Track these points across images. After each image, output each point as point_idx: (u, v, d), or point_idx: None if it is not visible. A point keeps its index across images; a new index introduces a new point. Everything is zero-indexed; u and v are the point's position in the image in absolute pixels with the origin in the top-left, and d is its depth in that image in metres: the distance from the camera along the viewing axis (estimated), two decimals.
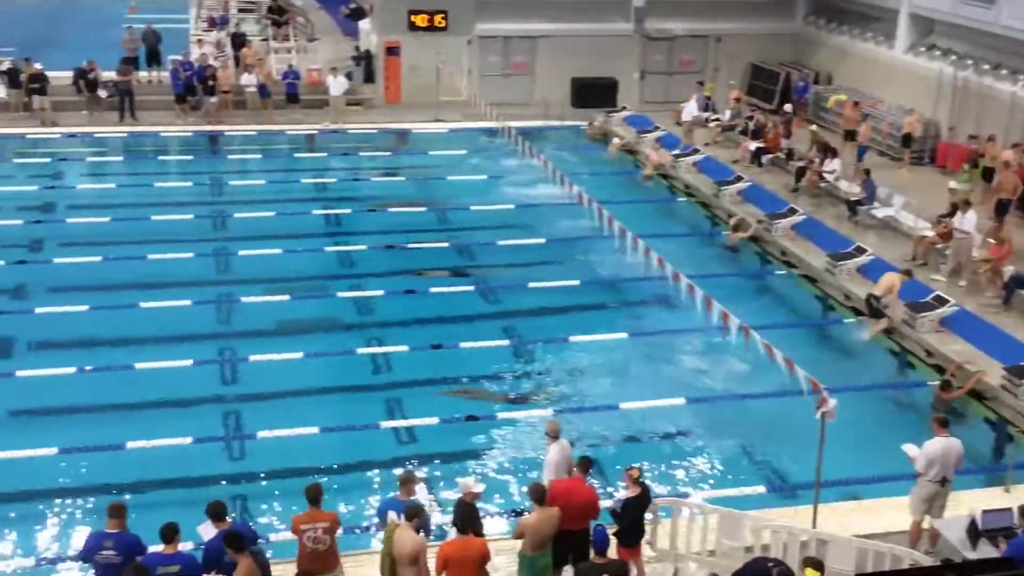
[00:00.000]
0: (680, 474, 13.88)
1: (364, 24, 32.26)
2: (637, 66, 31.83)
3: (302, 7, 37.29)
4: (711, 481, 13.76)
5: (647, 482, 11.16)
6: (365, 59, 31.41)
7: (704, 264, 20.45)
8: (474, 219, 22.85)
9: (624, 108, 30.28)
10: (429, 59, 29.72)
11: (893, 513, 12.12)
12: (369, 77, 31.26)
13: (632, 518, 10.74)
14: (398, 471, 10.58)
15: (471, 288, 19.31)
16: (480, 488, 10.54)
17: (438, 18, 30.40)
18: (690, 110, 27.84)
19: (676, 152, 26.36)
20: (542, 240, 21.66)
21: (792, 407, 14.02)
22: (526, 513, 10.90)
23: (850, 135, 25.55)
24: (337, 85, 28.79)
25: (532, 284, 19.37)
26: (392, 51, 30.50)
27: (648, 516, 11.02)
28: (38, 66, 27.44)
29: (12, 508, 12.58)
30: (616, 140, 28.34)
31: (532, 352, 16.95)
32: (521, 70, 31.38)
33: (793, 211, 22.07)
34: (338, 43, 34.34)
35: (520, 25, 30.84)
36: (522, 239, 21.65)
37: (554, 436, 11.29)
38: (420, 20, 30.33)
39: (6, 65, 28.16)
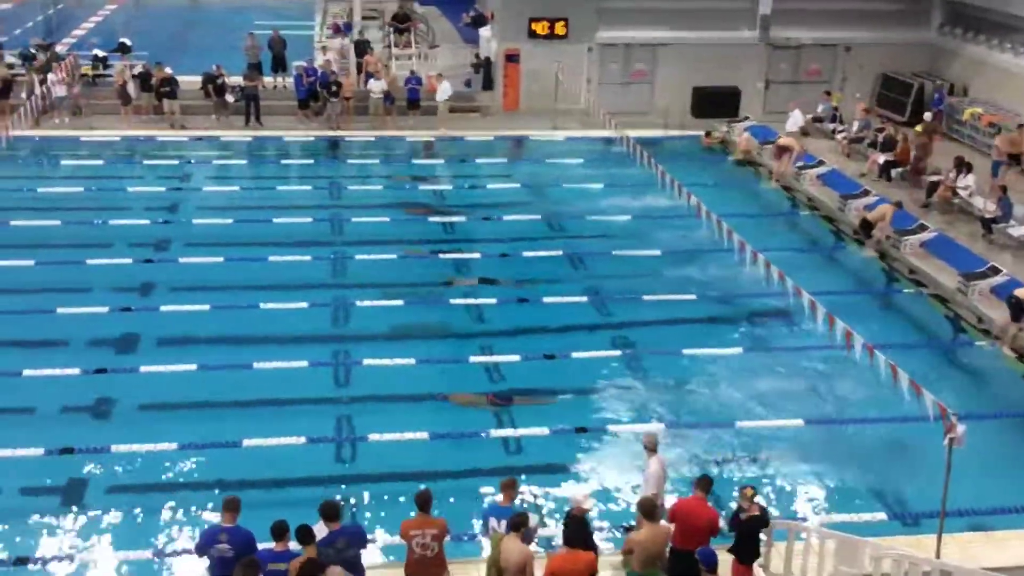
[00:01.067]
0: (797, 497, 13.44)
1: (484, 31, 32.42)
2: (761, 75, 31.18)
3: (424, 15, 37.71)
4: (829, 505, 13.28)
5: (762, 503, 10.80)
6: (484, 66, 31.56)
7: (827, 280, 19.84)
8: (589, 228, 22.65)
9: (747, 118, 29.68)
10: (548, 67, 29.68)
11: None
12: (488, 84, 31.39)
13: (748, 538, 10.41)
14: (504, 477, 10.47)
15: (584, 299, 19.11)
16: (590, 503, 10.35)
17: (559, 26, 30.32)
18: (794, 120, 26.97)
19: (800, 164, 25.70)
20: (657, 252, 21.33)
21: (917, 432, 13.45)
22: (635, 529, 10.67)
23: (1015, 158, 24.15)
24: (442, 91, 28.98)
25: (646, 296, 19.07)
26: (512, 58, 30.56)
27: (763, 538, 10.68)
28: (168, 70, 28.37)
29: (134, 500, 12.92)
30: (741, 137, 27.83)
31: (645, 364, 16.67)
32: (641, 78, 31.06)
33: (923, 227, 21.24)
34: (458, 50, 34.58)
35: (641, 33, 30.55)
36: (637, 250, 21.35)
37: (652, 449, 11.14)
38: (541, 28, 30.31)
39: (138, 69, 29.20)
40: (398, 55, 32.32)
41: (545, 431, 14.49)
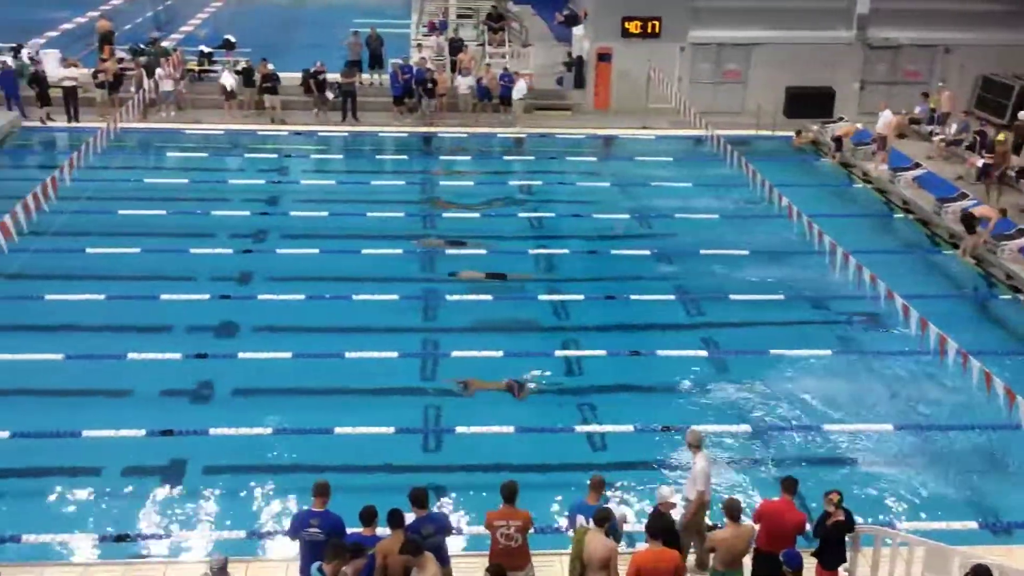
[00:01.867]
0: (884, 502, 13.29)
1: (577, 30, 32.51)
2: (856, 76, 30.66)
3: (518, 13, 37.93)
4: (917, 512, 13.10)
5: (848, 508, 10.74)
6: (576, 65, 31.66)
7: (920, 284, 19.52)
8: (677, 227, 22.61)
9: (841, 119, 29.20)
10: (640, 66, 29.67)
11: None
12: (579, 83, 31.49)
13: (833, 543, 10.37)
14: (592, 476, 10.61)
15: (671, 297, 19.13)
16: (676, 498, 10.43)
17: (652, 25, 30.27)
18: (884, 120, 26.43)
19: (895, 166, 25.24)
20: (746, 252, 21.21)
21: (1010, 440, 13.22)
22: (718, 527, 10.72)
23: None
24: (517, 90, 29.18)
25: (734, 296, 18.99)
26: (603, 57, 30.61)
27: (848, 543, 10.63)
28: (270, 67, 29.12)
29: (229, 481, 13.40)
30: (823, 134, 27.48)
31: (731, 364, 16.63)
32: (733, 78, 30.84)
33: (1022, 232, 20.70)
34: (550, 49, 34.75)
35: (735, 32, 30.33)
36: (726, 249, 21.25)
37: (697, 446, 11.10)
38: (633, 27, 30.30)
39: (241, 65, 30.04)
40: (492, 53, 32.62)
41: (630, 428, 14.59)
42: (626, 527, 10.84)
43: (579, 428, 14.79)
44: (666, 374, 16.30)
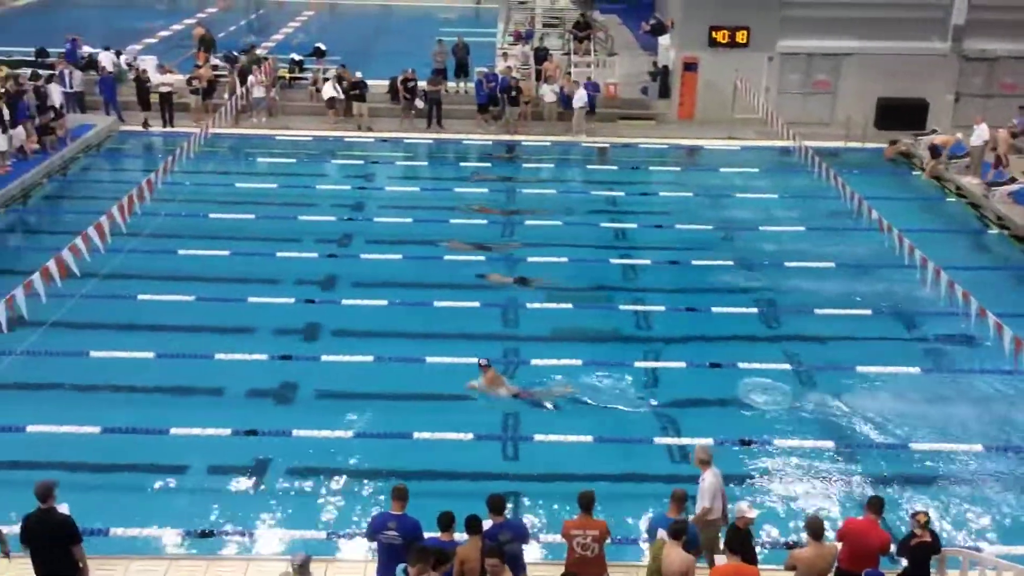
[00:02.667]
0: (972, 524, 12.92)
1: (664, 39, 32.36)
2: (951, 88, 29.92)
3: (604, 23, 37.92)
4: (1006, 536, 12.70)
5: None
6: (661, 74, 31.51)
7: (1014, 303, 18.91)
8: (762, 239, 22.33)
9: (934, 131, 28.53)
10: (726, 75, 29.39)
11: None
12: (664, 92, 31.32)
13: (918, 564, 10.12)
14: (674, 489, 10.53)
15: (754, 309, 18.89)
16: (754, 514, 10.29)
17: (740, 34, 29.98)
18: (979, 135, 25.66)
19: (989, 180, 24.57)
20: (832, 264, 20.83)
21: None
22: (799, 545, 10.54)
23: None
24: (578, 98, 29.16)
25: (819, 310, 18.67)
26: (689, 67, 30.40)
27: (934, 565, 10.36)
28: (359, 74, 29.57)
29: (310, 482, 13.60)
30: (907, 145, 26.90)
31: (815, 380, 16.35)
32: (823, 89, 30.37)
33: None
34: (636, 58, 34.66)
35: (825, 42, 29.86)
36: (811, 262, 20.90)
37: (707, 462, 11.04)
38: (721, 36, 30.03)
39: (331, 72, 30.58)
40: (577, 62, 32.65)
41: (709, 441, 14.40)
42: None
43: (658, 440, 14.68)
44: (747, 387, 16.07)
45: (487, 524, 9.90)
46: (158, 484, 13.44)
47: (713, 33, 30.03)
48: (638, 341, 17.83)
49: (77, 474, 13.22)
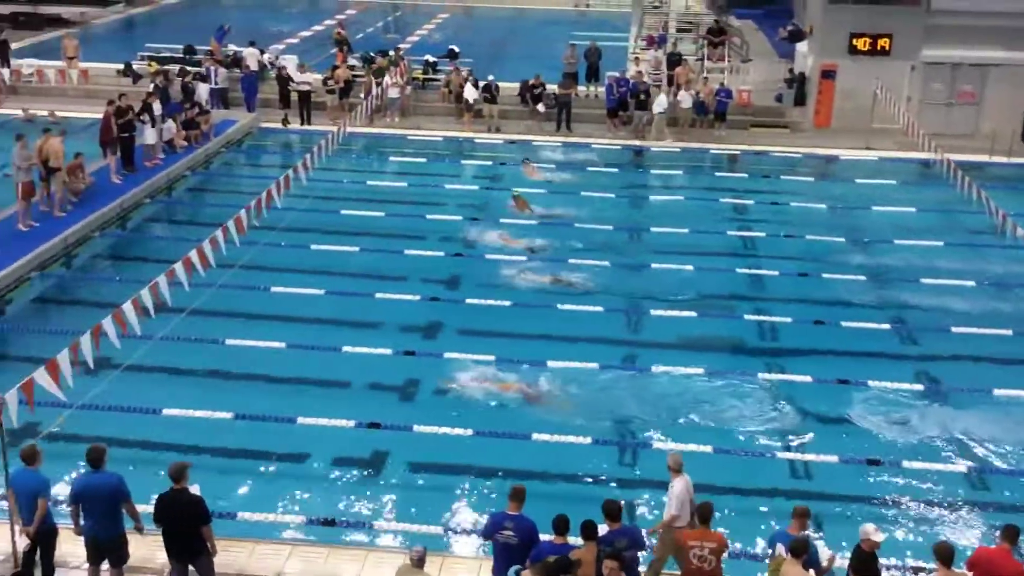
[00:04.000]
0: None
1: (801, 46, 31.69)
2: None
3: (740, 28, 37.35)
4: None
5: None
6: (798, 81, 30.85)
7: None
8: (897, 254, 21.63)
9: None
10: (866, 84, 28.55)
11: None
12: (800, 100, 30.66)
13: None
14: (796, 505, 10.29)
15: (886, 326, 18.31)
16: (880, 537, 9.98)
17: (882, 42, 29.14)
18: None
19: None
20: (972, 283, 20.03)
21: None
22: (926, 571, 10.19)
23: None
24: (658, 104, 28.89)
25: (956, 328, 17.97)
26: (827, 74, 29.69)
27: None
28: (491, 77, 29.87)
29: (429, 478, 13.80)
30: None
31: (948, 401, 15.75)
32: (967, 100, 29.25)
33: None
34: (771, 64, 34.02)
35: (971, 52, 28.75)
36: (949, 279, 20.14)
37: (677, 470, 11.04)
38: (862, 44, 29.24)
39: (464, 75, 30.96)
40: (710, 68, 32.25)
41: (834, 459, 14.07)
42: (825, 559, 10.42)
43: (780, 454, 14.38)
44: (876, 406, 15.60)
45: (602, 530, 9.87)
46: (283, 471, 13.84)
47: (854, 40, 29.26)
48: (762, 353, 17.51)
49: (208, 457, 13.71)
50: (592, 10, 47.78)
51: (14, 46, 33.77)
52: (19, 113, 28.69)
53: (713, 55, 33.08)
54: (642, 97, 29.01)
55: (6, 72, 31.20)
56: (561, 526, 9.86)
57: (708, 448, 14.27)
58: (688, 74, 30.45)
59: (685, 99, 29.28)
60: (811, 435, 14.86)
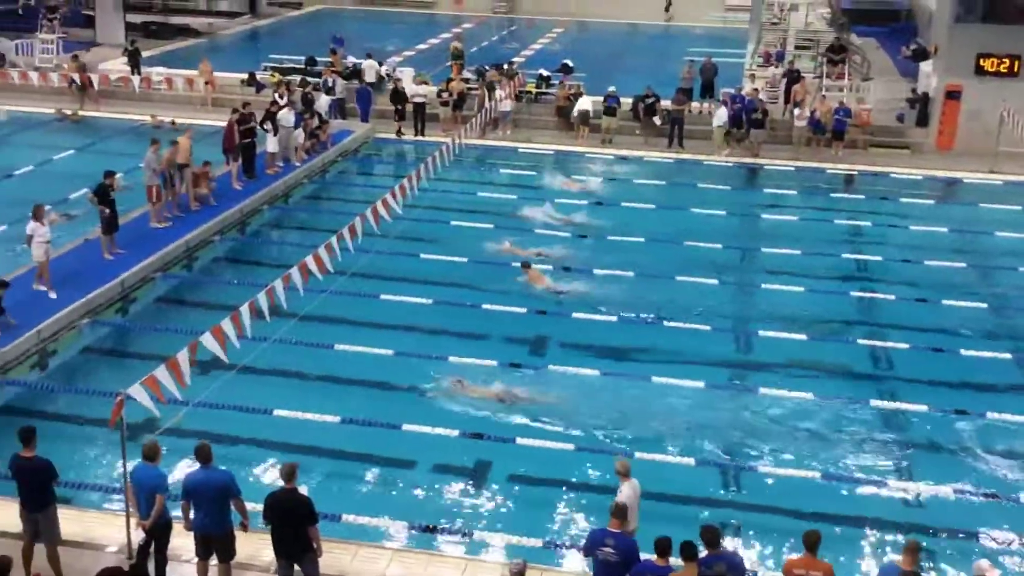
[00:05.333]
0: None
1: (925, 66, 30.84)
2: None
3: (861, 46, 36.54)
4: None
5: None
6: (921, 102, 30.02)
7: None
8: (1021, 282, 20.82)
9: None
10: (992, 106, 27.59)
11: None
12: (922, 121, 29.83)
13: None
14: (908, 539, 9.99)
15: (1008, 355, 17.63)
16: (995, 574, 9.61)
17: (1011, 63, 28.17)
18: None
19: None
20: None
21: None
22: None
23: None
24: (718, 117, 28.53)
25: None
26: (952, 95, 28.81)
27: None
28: (611, 88, 29.85)
29: (530, 490, 13.81)
30: None
31: None
32: None
33: None
34: (892, 84, 33.22)
35: None
36: None
37: (625, 475, 11.24)
38: (990, 64, 28.34)
39: (574, 90, 31.04)
40: (829, 86, 31.62)
41: (949, 491, 13.61)
42: None
43: (892, 484, 13.97)
44: (996, 439, 15.02)
45: (703, 552, 9.75)
46: (387, 476, 14.04)
47: (981, 61, 28.37)
48: (876, 379, 17.06)
49: (316, 459, 14.00)
50: (699, 24, 47.37)
51: (145, 54, 35.16)
52: (147, 119, 29.87)
53: (832, 73, 32.42)
54: (759, 116, 28.60)
55: (136, 79, 32.52)
56: (663, 547, 9.77)
57: (816, 475, 13.98)
58: (806, 92, 29.92)
59: (800, 117, 28.76)
60: (925, 466, 14.40)
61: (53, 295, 17.78)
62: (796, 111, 29.03)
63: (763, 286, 20.55)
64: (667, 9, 49.77)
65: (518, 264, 20.60)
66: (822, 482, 13.86)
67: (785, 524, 12.78)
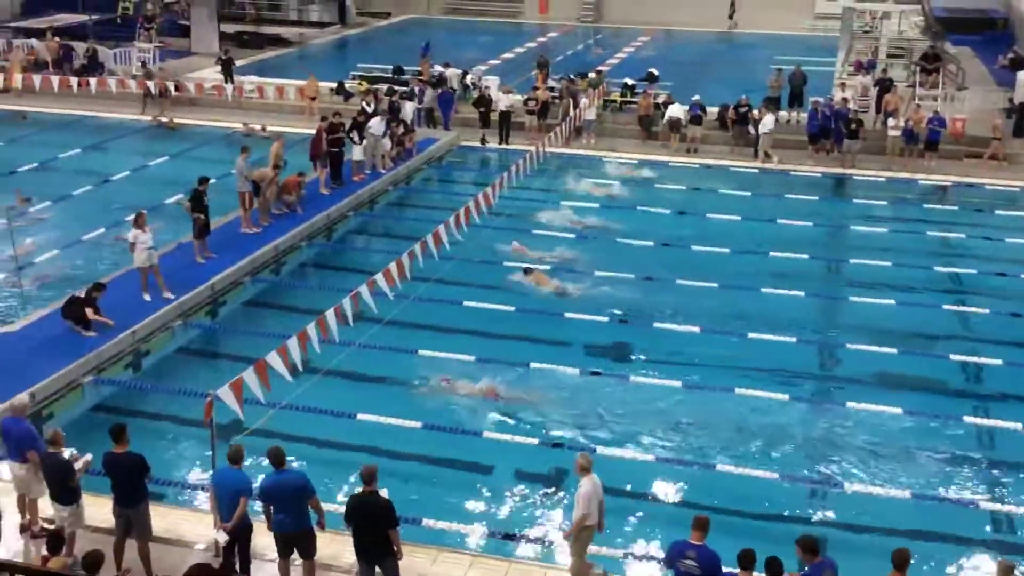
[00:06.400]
0: None
1: (1022, 75, 29.93)
2: None
3: (956, 55, 35.64)
4: None
5: None
6: (1018, 112, 29.16)
7: None
8: None
9: None
10: None
11: None
12: (1020, 131, 28.97)
13: None
14: (1000, 560, 9.70)
15: None
16: None
17: None
18: None
19: None
20: None
21: None
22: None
23: None
24: (764, 124, 28.11)
25: None
26: None
27: None
28: (695, 97, 29.64)
29: (609, 500, 13.61)
30: None
31: None
32: None
33: None
34: (988, 93, 32.32)
35: None
36: None
37: (587, 469, 11.32)
38: None
39: (662, 98, 30.90)
40: (922, 96, 30.90)
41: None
42: None
43: (984, 504, 13.57)
44: None
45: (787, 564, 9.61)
46: (467, 482, 14.09)
47: None
48: (968, 395, 16.62)
49: (397, 463, 14.13)
50: (759, 32, 46.72)
51: (238, 63, 35.99)
52: (239, 127, 30.56)
53: (926, 82, 31.66)
54: (852, 126, 28.04)
55: (229, 87, 33.31)
56: (747, 561, 9.67)
57: (906, 493, 13.66)
58: (898, 101, 29.29)
59: (893, 126, 28.16)
60: (1019, 485, 13.97)
61: (170, 295, 18.32)
62: (890, 121, 28.42)
63: (851, 299, 20.16)
64: (731, 16, 49.37)
65: (602, 275, 20.59)
66: (912, 500, 13.52)
67: (873, 542, 12.51)
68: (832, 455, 14.77)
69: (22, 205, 23.38)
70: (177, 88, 32.93)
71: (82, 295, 17.21)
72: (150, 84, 32.39)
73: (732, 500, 13.49)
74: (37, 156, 28.06)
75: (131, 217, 18.74)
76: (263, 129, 29.33)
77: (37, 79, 33.14)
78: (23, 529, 12.09)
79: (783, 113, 30.72)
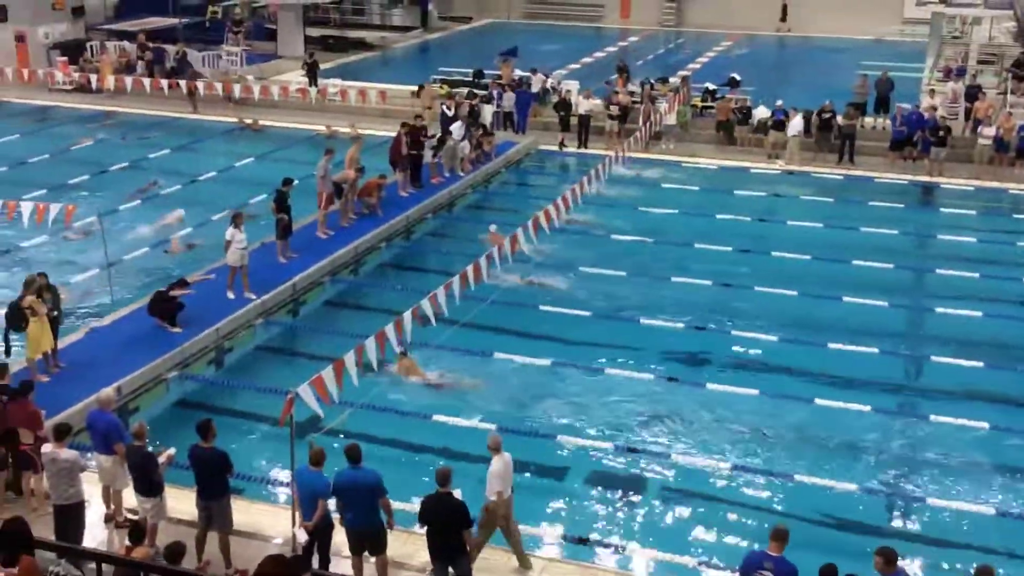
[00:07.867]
0: None
1: None
2: None
3: None
4: None
5: None
6: None
7: None
8: None
9: None
10: None
11: None
12: None
13: None
14: None
15: None
16: None
17: None
18: None
19: None
20: None
21: None
22: None
23: None
24: (792, 127, 27.59)
25: None
26: None
27: None
28: (779, 102, 29.24)
29: (683, 507, 13.63)
30: None
31: None
32: None
33: None
34: None
35: None
36: None
37: (496, 449, 11.55)
38: None
39: (741, 104, 30.55)
40: (1014, 103, 30.04)
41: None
42: None
43: None
44: None
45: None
46: (542, 486, 14.09)
47: None
48: None
49: (471, 464, 14.14)
50: (844, 37, 45.80)
51: (322, 66, 36.54)
52: (323, 129, 31.00)
53: (1018, 89, 30.76)
54: (940, 133, 27.39)
55: (313, 90, 33.83)
56: (830, 575, 9.48)
57: (991, 510, 13.30)
58: (988, 109, 28.52)
59: (985, 134, 27.42)
60: None
61: (252, 296, 18.69)
62: (980, 128, 27.69)
63: (937, 309, 19.68)
64: (783, 19, 48.46)
65: (679, 280, 20.43)
66: (997, 517, 13.17)
67: (956, 557, 12.24)
68: (914, 468, 14.46)
69: (152, 189, 25.95)
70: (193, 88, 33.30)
71: (166, 291, 17.64)
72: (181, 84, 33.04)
73: (811, 512, 13.28)
74: (127, 155, 28.87)
75: (226, 214, 19.03)
76: (351, 127, 29.53)
77: (128, 80, 34.04)
78: (107, 519, 12.44)
79: (868, 119, 30.12)
